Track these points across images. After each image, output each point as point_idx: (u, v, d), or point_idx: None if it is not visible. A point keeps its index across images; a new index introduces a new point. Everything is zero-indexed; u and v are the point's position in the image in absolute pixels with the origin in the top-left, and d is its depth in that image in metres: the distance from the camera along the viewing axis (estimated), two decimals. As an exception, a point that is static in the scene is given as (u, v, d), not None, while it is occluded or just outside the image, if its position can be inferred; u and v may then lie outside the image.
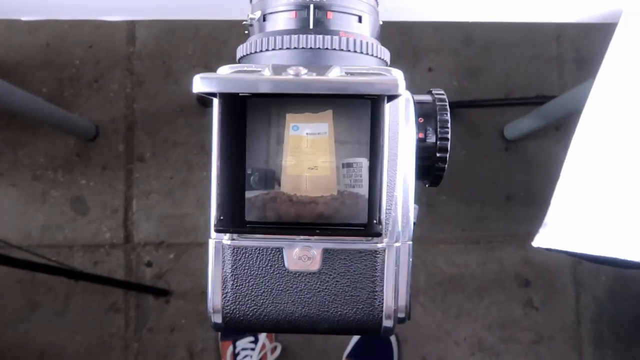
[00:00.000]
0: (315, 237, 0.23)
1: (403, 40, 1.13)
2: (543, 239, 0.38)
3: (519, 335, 1.10)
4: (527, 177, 1.13)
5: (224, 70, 0.25)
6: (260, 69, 0.25)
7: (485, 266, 1.12)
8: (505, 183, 1.13)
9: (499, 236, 1.12)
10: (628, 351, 1.10)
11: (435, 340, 1.11)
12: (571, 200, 0.37)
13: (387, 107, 0.20)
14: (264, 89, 0.18)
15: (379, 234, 0.22)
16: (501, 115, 1.13)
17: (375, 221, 0.21)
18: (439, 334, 1.11)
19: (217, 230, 0.21)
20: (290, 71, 0.18)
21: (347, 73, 0.24)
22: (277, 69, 0.19)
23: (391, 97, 0.20)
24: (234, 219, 0.24)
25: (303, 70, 0.18)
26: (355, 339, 1.06)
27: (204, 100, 1.12)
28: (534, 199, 1.12)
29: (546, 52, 1.17)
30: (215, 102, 0.23)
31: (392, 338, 1.07)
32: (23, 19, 0.38)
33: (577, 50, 1.15)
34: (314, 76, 0.18)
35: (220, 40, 1.16)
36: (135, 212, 1.13)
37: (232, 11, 0.38)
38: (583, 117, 0.38)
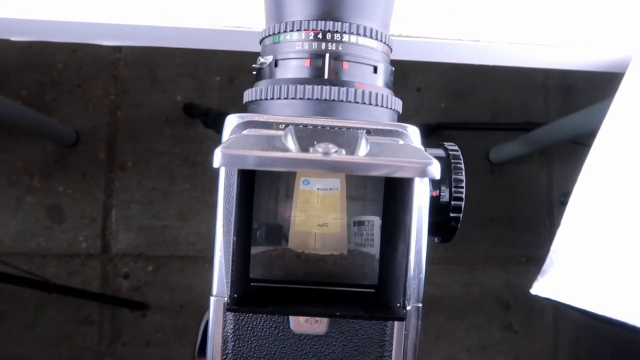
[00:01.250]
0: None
1: (392, 61, 1.14)
2: (542, 288, 0.38)
3: (498, 359, 1.11)
4: (511, 201, 1.14)
5: (233, 121, 0.24)
6: (271, 120, 0.23)
7: (467, 288, 1.12)
8: (489, 205, 1.14)
9: (481, 258, 1.13)
10: (603, 377, 1.11)
11: (414, 362, 1.10)
12: (572, 251, 0.37)
13: (417, 184, 0.19)
14: (291, 167, 0.17)
15: (403, 319, 0.21)
16: (487, 138, 1.14)
17: (399, 304, 0.20)
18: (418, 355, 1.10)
19: (229, 310, 0.20)
20: (319, 149, 0.17)
21: (364, 129, 0.23)
22: (302, 141, 0.18)
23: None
24: (238, 279, 0.22)
25: (333, 149, 0.17)
26: None
27: (191, 111, 1.10)
28: (517, 222, 1.13)
29: (532, 77, 1.18)
30: (223, 171, 0.22)
31: None
32: (12, 39, 0.36)
33: (563, 77, 1.16)
34: (343, 156, 0.17)
35: (209, 50, 1.14)
36: (114, 222, 1.10)
37: (237, 44, 0.38)
38: (586, 166, 0.38)
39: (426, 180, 0.22)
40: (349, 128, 0.22)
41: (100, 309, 1.08)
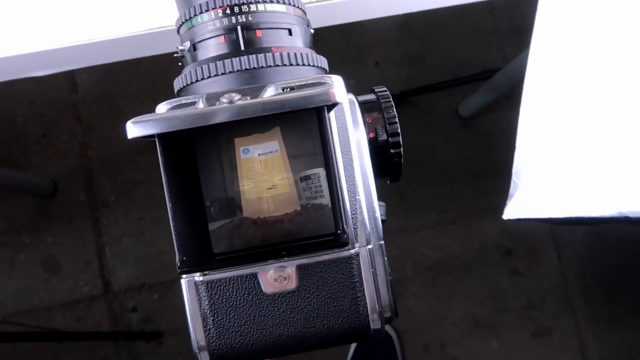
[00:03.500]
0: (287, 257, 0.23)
1: (345, 40, 1.14)
2: (512, 211, 0.39)
3: (511, 304, 1.12)
4: (489, 150, 1.15)
5: (162, 108, 0.24)
6: (196, 100, 0.24)
7: (466, 244, 1.14)
8: (470, 160, 1.15)
9: (473, 212, 1.14)
10: (616, 298, 1.13)
11: (433, 326, 1.11)
12: (531, 167, 0.38)
13: (332, 115, 0.20)
14: (199, 122, 0.18)
15: (345, 244, 0.21)
16: (452, 96, 1.15)
17: (339, 231, 0.21)
18: (435, 319, 1.11)
19: (181, 273, 0.21)
20: (224, 99, 0.18)
21: (285, 88, 0.24)
22: (211, 99, 0.18)
23: (331, 106, 0.20)
24: (202, 255, 0.23)
25: (236, 96, 0.18)
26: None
27: (159, 135, 1.10)
28: (499, 170, 1.15)
29: (483, 27, 1.19)
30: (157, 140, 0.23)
31: (392, 332, 1.07)
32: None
33: (512, 20, 1.18)
34: (248, 100, 0.18)
35: (164, 71, 1.14)
36: (110, 260, 1.11)
37: (167, 45, 0.38)
38: (527, 83, 0.39)
39: (360, 120, 0.23)
40: (260, 87, 0.23)
41: (115, 347, 1.08)
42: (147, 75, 1.14)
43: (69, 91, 1.14)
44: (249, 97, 0.18)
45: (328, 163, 0.21)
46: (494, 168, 1.15)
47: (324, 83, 0.25)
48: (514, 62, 0.90)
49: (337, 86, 0.19)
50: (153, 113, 0.21)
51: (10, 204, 1.10)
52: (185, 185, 0.21)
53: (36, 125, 1.13)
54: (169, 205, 0.20)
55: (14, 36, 0.34)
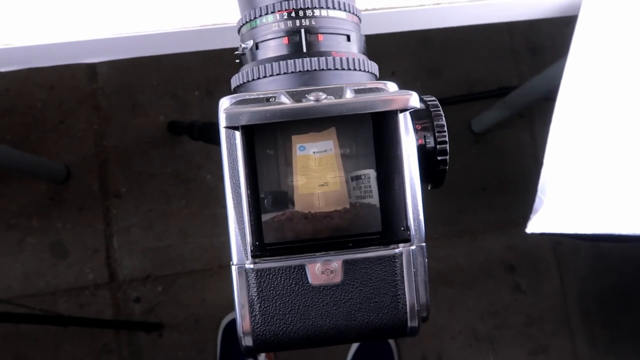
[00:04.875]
0: (336, 251, 0.24)
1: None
2: (536, 225, 0.40)
3: (511, 320, 1.13)
4: (499, 167, 1.17)
5: (226, 102, 0.26)
6: (262, 96, 0.25)
7: (471, 257, 1.15)
8: (479, 174, 1.17)
9: (479, 227, 1.15)
10: (614, 321, 1.14)
11: (432, 337, 1.12)
12: (558, 183, 0.39)
13: (401, 118, 0.21)
14: (292, 116, 0.19)
15: (408, 240, 0.23)
16: (466, 110, 1.17)
17: (402, 228, 0.22)
18: (434, 330, 1.12)
19: (254, 256, 0.22)
20: (311, 97, 0.19)
21: (355, 90, 0.25)
22: (295, 96, 0.20)
23: (403, 110, 0.21)
24: (256, 244, 0.24)
25: (322, 95, 0.19)
26: (355, 346, 1.07)
27: (176, 129, 1.11)
28: (508, 186, 1.16)
29: (500, 44, 1.21)
30: (223, 133, 0.24)
31: (391, 341, 1.08)
32: (1, 70, 0.38)
33: (529, 40, 1.20)
34: (333, 100, 0.19)
35: (183, 67, 1.16)
36: (117, 249, 1.12)
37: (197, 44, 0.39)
38: (559, 102, 0.40)
39: (411, 127, 0.24)
40: (331, 88, 0.24)
41: (116, 336, 1.09)
42: (167, 71, 1.16)
43: (89, 80, 1.15)
44: (332, 97, 0.19)
45: (392, 164, 0.22)
46: (503, 184, 1.16)
47: (381, 89, 0.26)
48: (531, 81, 0.92)
49: (414, 94, 0.20)
50: (238, 105, 0.22)
51: (23, 187, 1.11)
52: (249, 177, 0.22)
53: (54, 111, 1.14)
54: (245, 192, 0.21)
55: (58, 24, 0.35)
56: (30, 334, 1.06)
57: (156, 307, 1.11)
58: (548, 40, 1.18)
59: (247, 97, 0.26)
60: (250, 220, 0.21)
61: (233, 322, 1.09)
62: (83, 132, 1.14)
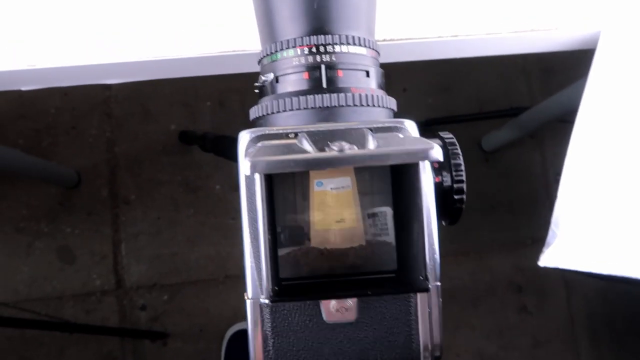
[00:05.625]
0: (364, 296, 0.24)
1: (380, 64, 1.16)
2: (549, 259, 0.40)
3: (517, 342, 1.12)
4: (508, 186, 1.16)
5: (246, 136, 0.26)
6: (282, 131, 0.26)
7: (477, 276, 1.14)
8: (488, 193, 1.16)
9: (487, 245, 1.15)
10: (622, 346, 1.13)
11: (436, 355, 1.11)
12: (572, 218, 0.39)
13: (424, 167, 0.22)
14: (313, 167, 0.19)
15: (427, 290, 0.23)
16: (476, 128, 1.17)
17: (421, 277, 0.22)
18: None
19: (273, 301, 0.22)
20: (334, 147, 0.19)
21: (370, 128, 0.25)
22: (317, 142, 0.20)
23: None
24: (272, 280, 0.24)
25: (346, 145, 0.19)
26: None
27: (187, 138, 1.12)
28: (517, 206, 1.16)
29: (512, 64, 1.21)
30: (243, 174, 0.24)
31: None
32: (23, 89, 0.39)
33: (542, 60, 1.20)
34: (357, 151, 0.19)
35: (196, 77, 1.16)
36: (125, 256, 1.12)
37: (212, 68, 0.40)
38: (574, 136, 0.40)
39: (429, 167, 0.24)
40: (351, 129, 0.25)
41: (121, 344, 1.09)
42: (179, 80, 1.16)
43: (102, 87, 1.16)
44: (355, 147, 0.19)
45: (417, 214, 0.22)
46: (512, 204, 1.16)
47: (400, 127, 0.26)
48: (543, 103, 0.92)
49: (437, 147, 0.20)
50: (260, 149, 0.22)
51: (34, 191, 1.12)
52: (270, 219, 0.22)
53: (67, 116, 1.15)
54: (263, 237, 0.21)
55: (100, 46, 0.36)
56: (36, 339, 1.07)
57: (162, 315, 1.11)
58: (560, 61, 1.18)
59: (267, 132, 0.26)
60: (268, 265, 0.21)
61: (238, 333, 1.08)
62: (94, 138, 1.15)
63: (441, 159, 0.20)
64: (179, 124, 1.15)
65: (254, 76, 0.38)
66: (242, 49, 0.37)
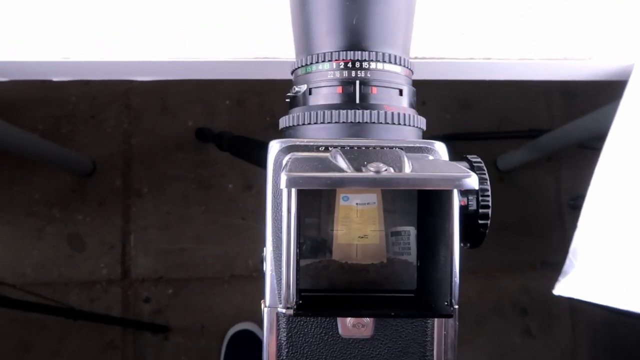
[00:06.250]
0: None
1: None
2: (564, 288, 0.40)
3: (518, 364, 1.11)
4: (521, 207, 1.16)
5: (275, 146, 0.26)
6: (312, 143, 0.26)
7: (484, 295, 1.13)
8: (501, 213, 1.15)
9: (496, 265, 1.14)
10: (625, 377, 1.11)
11: (436, 371, 1.11)
12: (591, 250, 0.38)
13: (455, 194, 0.22)
14: (350, 186, 0.19)
15: (450, 316, 0.23)
16: (494, 147, 1.16)
17: (446, 303, 0.22)
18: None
19: (296, 315, 0.22)
20: (371, 168, 0.19)
21: (396, 147, 0.25)
22: (353, 162, 0.20)
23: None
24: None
25: (383, 167, 0.19)
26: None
27: (203, 136, 1.13)
28: (529, 228, 1.15)
29: (534, 85, 1.21)
30: (270, 176, 0.24)
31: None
32: (54, 79, 0.39)
33: (564, 84, 1.19)
34: (393, 173, 0.19)
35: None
36: (133, 248, 1.13)
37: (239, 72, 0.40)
38: (599, 167, 0.40)
39: (455, 191, 0.24)
40: (382, 147, 0.25)
41: (123, 334, 1.10)
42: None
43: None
44: (391, 169, 0.19)
45: (446, 239, 0.22)
46: (524, 225, 1.15)
47: (430, 149, 0.26)
48: (564, 127, 0.91)
49: (470, 175, 0.20)
50: (294, 162, 0.22)
51: (49, 177, 1.13)
52: (297, 233, 0.22)
53: (86, 106, 1.16)
54: (293, 251, 0.21)
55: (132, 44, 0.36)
56: (38, 323, 1.08)
57: (165, 309, 1.12)
58: (582, 87, 1.17)
59: (298, 143, 0.26)
60: (294, 280, 0.21)
61: (238, 334, 1.08)
62: (112, 128, 1.16)
63: (477, 187, 0.20)
64: (196, 121, 1.16)
65: (275, 80, 0.38)
66: (274, 57, 0.37)
